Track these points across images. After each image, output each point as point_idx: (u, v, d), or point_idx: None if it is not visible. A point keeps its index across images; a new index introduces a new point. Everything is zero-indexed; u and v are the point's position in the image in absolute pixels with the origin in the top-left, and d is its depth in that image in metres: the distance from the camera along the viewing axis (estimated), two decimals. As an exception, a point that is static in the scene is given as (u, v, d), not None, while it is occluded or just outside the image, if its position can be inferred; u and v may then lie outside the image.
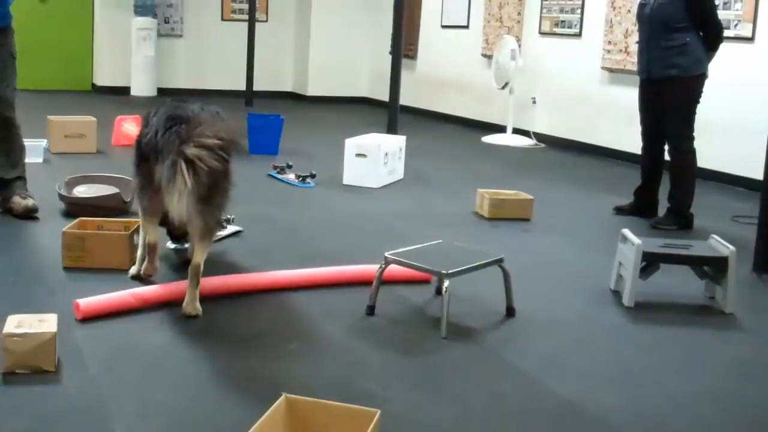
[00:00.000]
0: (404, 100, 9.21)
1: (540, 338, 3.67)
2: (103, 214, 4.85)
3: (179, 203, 3.55)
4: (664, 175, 6.08)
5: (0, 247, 4.57)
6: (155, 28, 12.93)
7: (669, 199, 5.92)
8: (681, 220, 5.83)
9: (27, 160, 6.80)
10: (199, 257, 3.71)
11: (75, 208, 5.22)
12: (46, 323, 3.07)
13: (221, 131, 3.59)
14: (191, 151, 3.48)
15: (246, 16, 12.64)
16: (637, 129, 6.18)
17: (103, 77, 13.12)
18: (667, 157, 6.00)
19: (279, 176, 6.91)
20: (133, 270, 4.13)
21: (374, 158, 6.76)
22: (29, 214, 5.11)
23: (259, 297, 3.97)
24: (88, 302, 3.56)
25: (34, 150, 7.02)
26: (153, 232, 4.03)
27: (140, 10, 12.89)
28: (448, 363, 3.33)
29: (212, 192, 3.65)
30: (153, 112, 3.89)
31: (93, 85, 13.30)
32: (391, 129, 8.53)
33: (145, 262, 4.10)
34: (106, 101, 11.59)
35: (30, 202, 5.17)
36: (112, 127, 8.19)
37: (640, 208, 6.14)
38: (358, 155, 6.78)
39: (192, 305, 3.68)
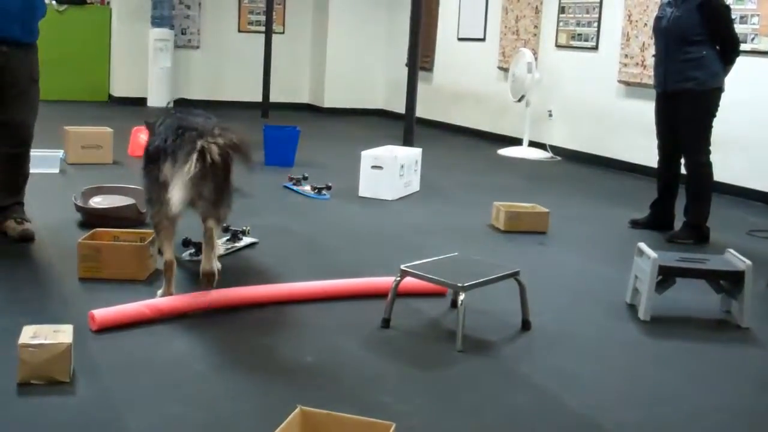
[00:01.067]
0: (420, 112, 9.18)
1: (556, 352, 3.65)
2: (119, 224, 4.86)
3: (182, 185, 3.63)
4: (680, 188, 6.06)
5: (15, 258, 4.59)
6: (172, 39, 12.99)
7: (685, 213, 5.89)
8: (697, 234, 5.80)
9: (43, 170, 6.92)
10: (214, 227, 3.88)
11: (91, 219, 5.24)
12: (61, 334, 3.07)
13: (231, 136, 3.81)
14: (202, 143, 3.68)
15: (263, 28, 12.69)
16: (653, 142, 6.16)
17: (119, 88, 13.18)
18: (683, 170, 5.98)
19: (295, 188, 6.91)
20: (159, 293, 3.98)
21: (390, 170, 6.75)
22: (25, 240, 4.86)
23: (275, 309, 3.97)
24: (104, 313, 3.57)
25: (51, 161, 7.07)
26: (169, 249, 3.92)
27: (157, 21, 12.94)
28: (464, 376, 3.32)
29: (218, 178, 3.80)
30: (159, 122, 3.98)
31: (110, 95, 13.36)
32: (407, 141, 8.52)
33: (163, 287, 3.96)
34: (123, 112, 11.64)
35: (27, 227, 4.92)
36: (128, 137, 8.22)
37: (657, 221, 6.11)
38: (373, 167, 6.78)
39: (209, 263, 3.85)
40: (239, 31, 13.72)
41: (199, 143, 3.67)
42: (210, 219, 3.88)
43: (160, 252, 4.13)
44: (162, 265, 4.03)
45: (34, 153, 6.99)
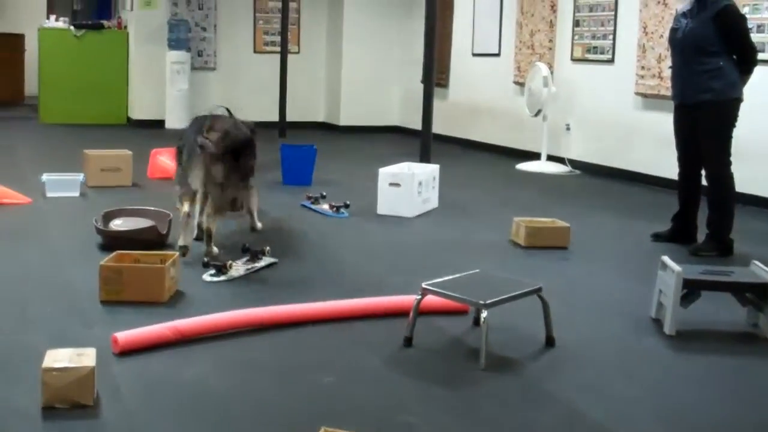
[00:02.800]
0: (436, 128, 9.17)
1: (580, 368, 3.62)
2: (139, 246, 4.86)
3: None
4: (702, 200, 6.01)
5: (38, 282, 4.60)
6: (189, 61, 13.06)
7: (708, 225, 5.84)
8: (721, 246, 5.75)
9: (64, 194, 6.96)
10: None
11: (112, 242, 5.25)
12: (84, 357, 3.07)
13: (225, 127, 5.07)
14: (199, 138, 4.99)
15: (278, 49, 12.74)
16: (673, 154, 6.12)
17: (138, 111, 13.25)
18: (704, 182, 5.93)
19: (313, 206, 6.91)
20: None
21: (408, 187, 6.74)
22: None
23: (296, 329, 3.96)
24: (126, 336, 3.57)
25: (71, 184, 7.11)
26: (187, 206, 5.23)
27: (174, 44, 13.02)
28: (488, 394, 3.29)
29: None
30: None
31: (128, 118, 13.43)
32: (425, 158, 8.51)
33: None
34: (142, 135, 11.70)
35: None
36: (147, 160, 8.25)
37: (679, 234, 6.06)
38: (391, 184, 6.77)
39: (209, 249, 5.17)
40: (255, 52, 13.78)
41: (199, 139, 4.98)
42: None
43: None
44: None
45: (55, 177, 7.09)
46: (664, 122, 7.41)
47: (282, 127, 12.31)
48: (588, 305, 4.54)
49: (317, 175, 8.20)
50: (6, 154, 9.58)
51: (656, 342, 3.98)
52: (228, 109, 5.37)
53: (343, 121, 13.69)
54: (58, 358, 3.05)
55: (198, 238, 5.39)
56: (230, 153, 4.99)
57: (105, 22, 13.59)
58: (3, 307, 4.14)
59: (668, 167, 7.20)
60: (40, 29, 13.34)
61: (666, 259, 4.29)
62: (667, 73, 7.44)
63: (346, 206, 6.74)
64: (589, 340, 3.96)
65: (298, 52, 13.83)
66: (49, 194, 6.99)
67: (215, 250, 5.17)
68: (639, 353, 3.84)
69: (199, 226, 5.46)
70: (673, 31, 5.96)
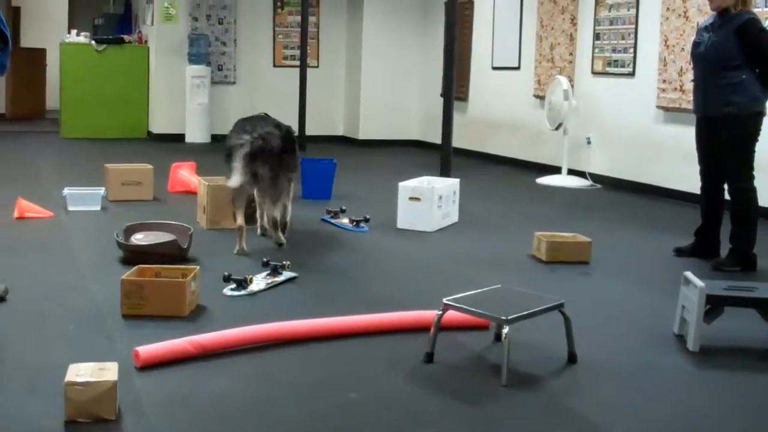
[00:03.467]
0: (456, 142, 9.17)
1: (603, 385, 3.59)
2: (161, 261, 4.88)
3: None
4: (725, 214, 5.97)
5: (60, 296, 4.62)
6: (209, 75, 13.13)
7: (731, 240, 5.79)
8: (744, 261, 5.70)
9: (85, 208, 7.00)
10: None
11: (133, 256, 5.27)
12: (106, 372, 3.08)
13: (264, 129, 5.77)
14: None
15: (297, 63, 12.78)
16: (695, 168, 6.09)
17: (158, 125, 13.33)
18: (727, 196, 5.89)
19: (333, 221, 6.91)
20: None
21: (428, 202, 6.73)
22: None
23: (317, 344, 3.95)
24: (148, 350, 3.57)
25: (93, 198, 7.14)
26: (240, 215, 5.78)
27: (194, 58, 13.10)
28: (509, 411, 3.28)
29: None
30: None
31: (149, 132, 13.51)
32: (445, 172, 8.51)
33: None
34: (162, 149, 11.75)
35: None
36: (168, 174, 8.28)
37: (701, 249, 6.02)
38: (411, 199, 6.77)
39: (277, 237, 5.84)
40: (274, 66, 13.84)
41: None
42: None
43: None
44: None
45: (77, 191, 7.13)
46: (685, 136, 7.38)
47: (301, 141, 12.33)
48: (610, 321, 4.51)
49: (337, 189, 8.20)
50: (28, 168, 9.65)
51: (679, 358, 3.95)
52: (266, 114, 6.16)
53: (363, 134, 13.72)
54: (80, 372, 3.06)
55: (263, 234, 6.17)
56: (269, 152, 5.64)
57: (126, 37, 13.69)
58: (25, 321, 4.16)
59: (690, 181, 7.15)
60: (62, 44, 13.46)
61: (689, 274, 4.25)
62: (689, 86, 7.41)
63: (366, 220, 6.74)
64: (611, 357, 3.93)
65: (317, 66, 13.88)
66: (70, 208, 7.03)
67: (282, 237, 5.86)
68: (662, 370, 3.81)
69: (263, 227, 6.19)
70: (696, 44, 5.94)
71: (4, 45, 4.50)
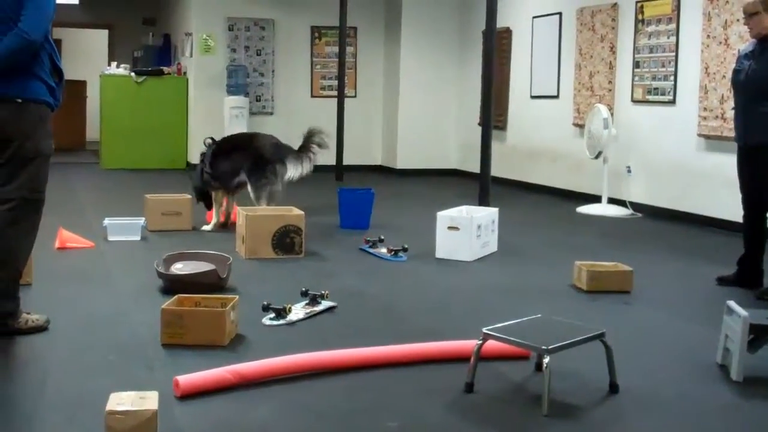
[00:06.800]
0: (495, 171, 9.17)
1: (645, 416, 3.53)
2: (200, 290, 4.90)
3: None
4: (768, 243, 5.89)
5: (100, 325, 4.65)
6: (247, 106, 13.24)
7: (774, 269, 5.71)
8: (788, 291, 5.62)
9: (125, 238, 7.06)
10: None
11: (173, 285, 5.30)
12: (147, 401, 3.09)
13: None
14: None
15: (335, 93, 12.86)
16: (737, 196, 6.02)
17: (197, 155, 13.37)
18: (770, 224, 5.81)
19: (371, 250, 6.90)
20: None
21: (467, 231, 6.70)
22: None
23: (356, 373, 3.94)
24: (188, 379, 3.58)
25: (132, 228, 7.21)
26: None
27: (233, 89, 13.23)
28: (552, 442, 3.23)
29: None
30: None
31: (188, 163, 13.62)
32: (483, 201, 8.49)
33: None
34: (201, 178, 11.81)
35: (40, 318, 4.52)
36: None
37: (744, 278, 5.93)
38: (450, 228, 6.74)
39: None
40: (312, 96, 13.92)
41: None
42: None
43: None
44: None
45: (117, 221, 7.20)
46: (727, 164, 7.30)
47: (339, 170, 12.38)
48: (652, 350, 4.45)
49: (375, 219, 8.20)
50: (69, 199, 9.77)
51: (723, 388, 3.88)
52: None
53: (400, 164, 13.73)
54: (121, 401, 3.07)
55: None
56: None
57: (165, 69, 13.86)
58: (67, 350, 4.19)
59: (732, 210, 7.07)
60: (102, 76, 13.65)
61: (732, 303, 4.19)
62: (730, 114, 7.33)
63: (405, 250, 6.72)
64: (653, 387, 3.87)
65: (354, 96, 13.94)
66: (111, 238, 7.10)
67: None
68: (705, 400, 3.74)
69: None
70: (736, 72, 5.88)
71: (59, 79, 4.44)
